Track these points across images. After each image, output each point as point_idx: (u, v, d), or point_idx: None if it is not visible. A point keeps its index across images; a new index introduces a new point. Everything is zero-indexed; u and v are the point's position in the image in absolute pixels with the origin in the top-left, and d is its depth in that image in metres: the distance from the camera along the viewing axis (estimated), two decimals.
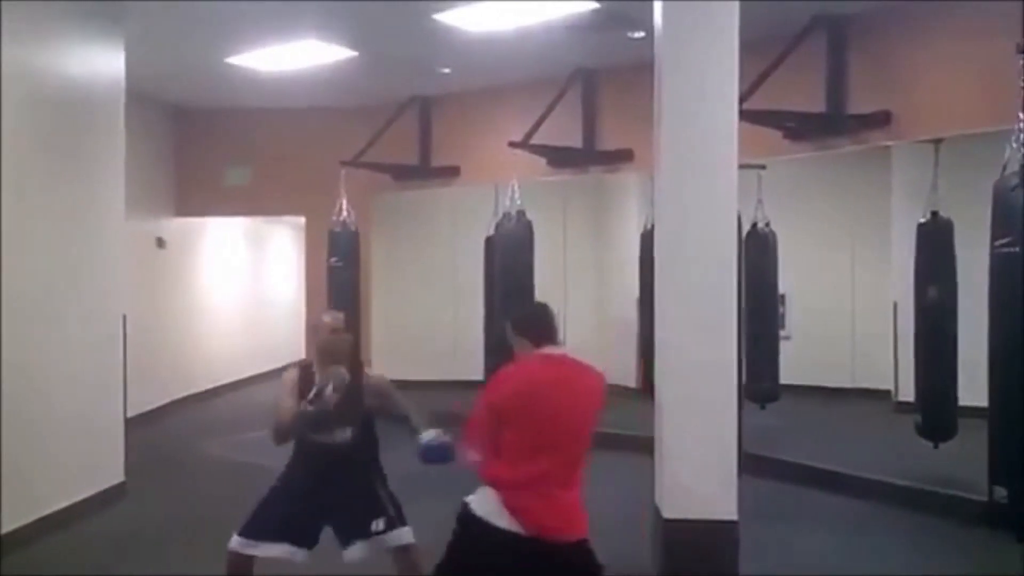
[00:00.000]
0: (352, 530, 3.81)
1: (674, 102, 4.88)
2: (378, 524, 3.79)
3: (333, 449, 3.78)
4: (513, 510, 2.85)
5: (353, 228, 9.08)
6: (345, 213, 8.98)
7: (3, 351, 5.42)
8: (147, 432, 8.97)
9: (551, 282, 9.96)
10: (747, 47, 4.94)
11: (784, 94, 6.77)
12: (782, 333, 9.15)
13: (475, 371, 9.96)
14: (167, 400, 10.39)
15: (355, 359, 4.04)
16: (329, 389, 3.61)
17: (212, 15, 6.81)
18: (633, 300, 9.78)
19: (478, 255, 9.60)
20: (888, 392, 9.55)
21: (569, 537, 2.93)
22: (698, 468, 4.74)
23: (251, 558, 3.78)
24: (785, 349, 8.93)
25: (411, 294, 11.68)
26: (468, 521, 2.94)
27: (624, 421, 8.50)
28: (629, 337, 10.30)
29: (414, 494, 4.08)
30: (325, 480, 3.79)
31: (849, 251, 10.77)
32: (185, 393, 10.71)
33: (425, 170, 9.96)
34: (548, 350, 3.07)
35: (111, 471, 6.68)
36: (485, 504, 2.92)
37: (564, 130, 8.63)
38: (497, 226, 8.32)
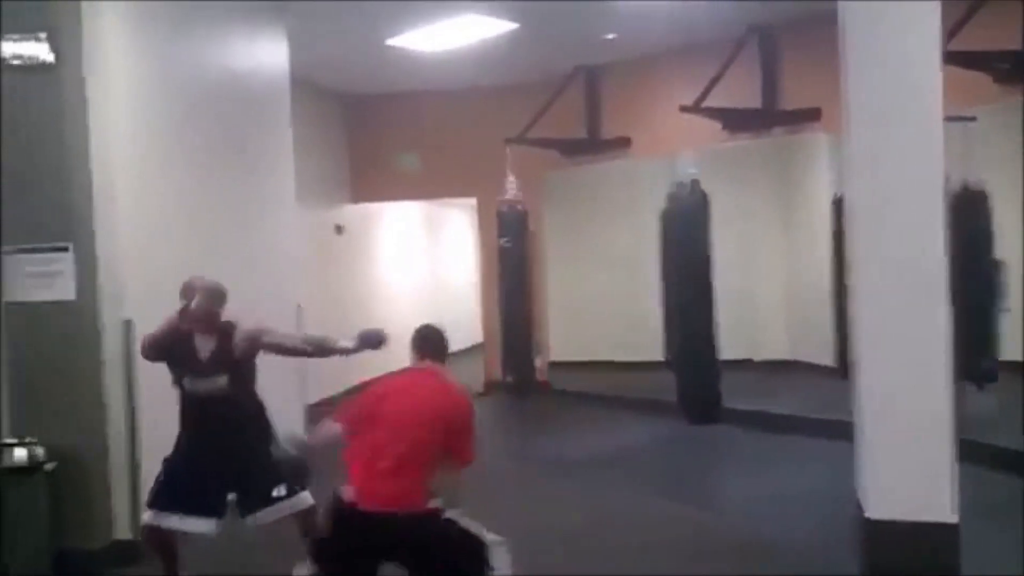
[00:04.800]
0: (254, 498, 4.10)
1: (864, 48, 4.32)
2: (280, 490, 4.07)
3: (211, 396, 4.05)
4: (356, 488, 3.36)
5: (520, 207, 8.87)
6: (512, 192, 8.77)
7: None
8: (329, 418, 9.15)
9: (731, 256, 9.39)
10: None
11: (992, 32, 5.92)
12: (1001, 305, 8.15)
13: (654, 351, 9.57)
14: (348, 386, 10.61)
15: (227, 320, 4.21)
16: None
17: None
18: (825, 272, 9.05)
19: (653, 230, 9.16)
20: None
21: (393, 509, 3.31)
22: (907, 462, 4.22)
23: (169, 531, 4.10)
24: (1005, 322, 7.96)
25: (585, 272, 11.39)
26: (332, 499, 3.45)
27: (819, 405, 7.91)
28: (822, 313, 9.55)
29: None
30: (217, 441, 4.06)
31: None
32: (365, 378, 10.90)
33: (594, 143, 9.62)
34: (422, 364, 3.59)
35: None
36: (345, 486, 3.41)
37: (741, 91, 8.06)
38: (669, 198, 7.87)
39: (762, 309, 10.82)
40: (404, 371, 3.60)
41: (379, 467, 3.34)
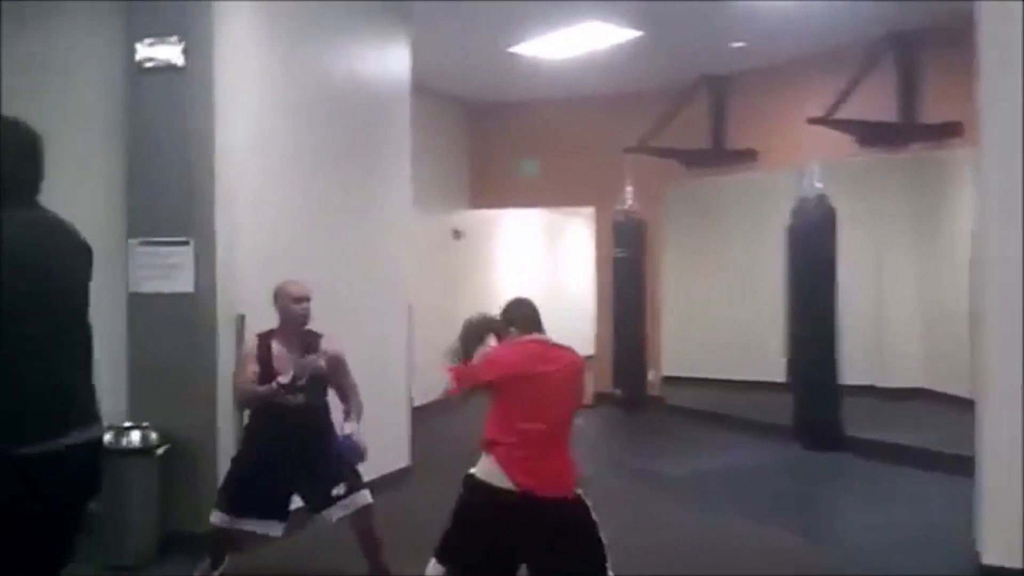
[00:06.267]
0: (318, 498, 4.19)
1: (998, 61, 3.99)
2: (339, 489, 4.16)
3: (289, 411, 4.14)
4: (510, 472, 3.25)
5: (636, 217, 8.72)
6: (629, 202, 8.64)
7: None
8: (436, 420, 9.23)
9: (861, 275, 8.95)
10: None
11: None
12: None
13: (775, 371, 9.22)
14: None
15: (311, 330, 4.31)
16: (303, 381, 4.12)
17: (494, 4, 6.76)
18: (963, 297, 8.50)
19: (778, 245, 8.84)
20: None
21: (558, 493, 3.29)
22: None
23: (237, 532, 4.23)
24: None
25: (704, 287, 11.08)
26: (472, 486, 3.33)
27: (948, 437, 7.37)
28: (958, 339, 8.98)
29: None
30: (286, 447, 4.14)
31: None
32: None
33: (718, 154, 9.36)
34: (534, 336, 3.50)
35: (398, 455, 6.87)
36: (485, 470, 3.31)
37: (876, 102, 7.66)
38: (794, 213, 7.57)
39: (891, 332, 10.25)
40: (527, 344, 3.47)
41: (540, 450, 3.30)
